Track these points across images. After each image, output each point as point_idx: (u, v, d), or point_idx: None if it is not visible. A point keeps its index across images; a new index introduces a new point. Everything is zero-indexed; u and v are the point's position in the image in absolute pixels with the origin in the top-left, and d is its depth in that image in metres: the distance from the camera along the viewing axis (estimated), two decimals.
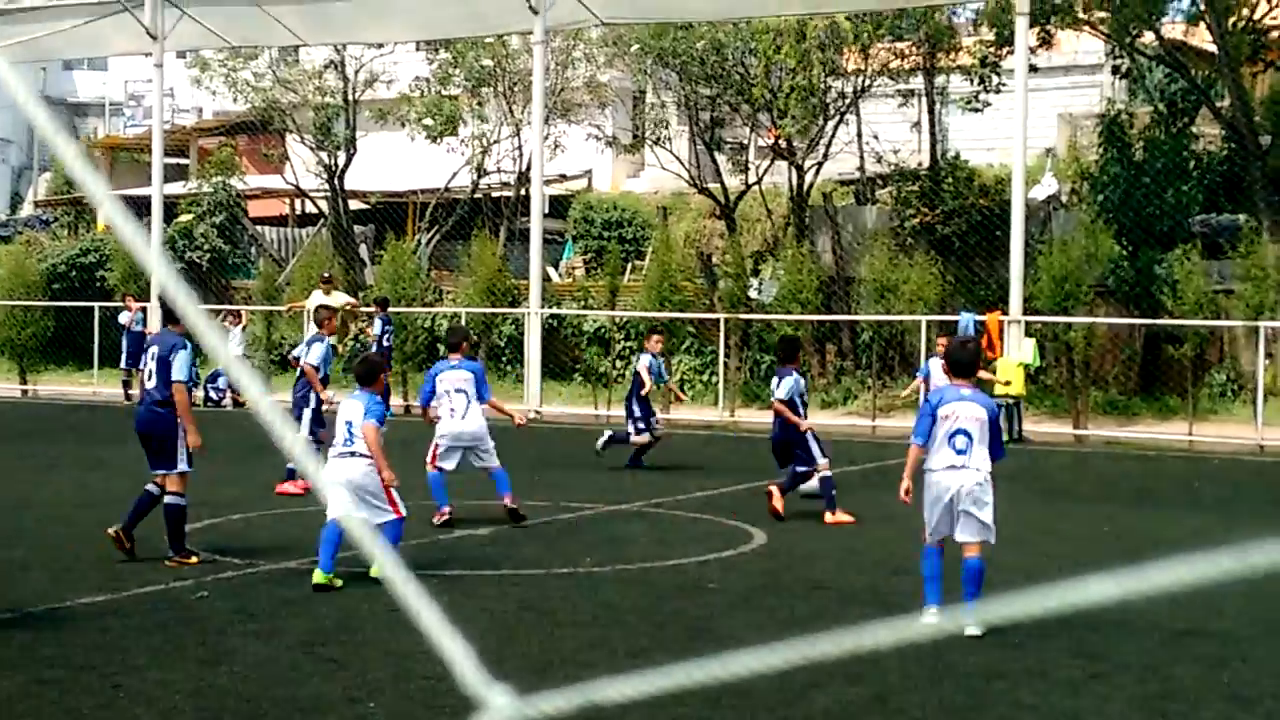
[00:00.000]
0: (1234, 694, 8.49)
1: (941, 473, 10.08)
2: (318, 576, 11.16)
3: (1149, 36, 29.97)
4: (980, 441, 10.06)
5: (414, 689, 8.29)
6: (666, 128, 34.80)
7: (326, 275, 29.85)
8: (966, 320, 26.33)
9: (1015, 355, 25.59)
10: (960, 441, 10.02)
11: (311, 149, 38.77)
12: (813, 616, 10.42)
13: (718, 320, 29.69)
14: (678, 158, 33.99)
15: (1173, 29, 31.73)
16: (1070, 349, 26.73)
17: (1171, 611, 10.76)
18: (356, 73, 38.23)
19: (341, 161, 38.70)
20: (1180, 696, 8.43)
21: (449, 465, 14.48)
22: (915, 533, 14.50)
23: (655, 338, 20.45)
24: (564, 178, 40.72)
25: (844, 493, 17.37)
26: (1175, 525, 15.25)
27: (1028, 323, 26.17)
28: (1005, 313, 26.28)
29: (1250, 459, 23.01)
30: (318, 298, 28.20)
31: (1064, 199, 33.26)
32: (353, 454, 11.54)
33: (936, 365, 18.69)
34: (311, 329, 20.10)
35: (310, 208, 42.05)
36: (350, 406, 11.80)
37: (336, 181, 38.80)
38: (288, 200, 43.88)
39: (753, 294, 31.65)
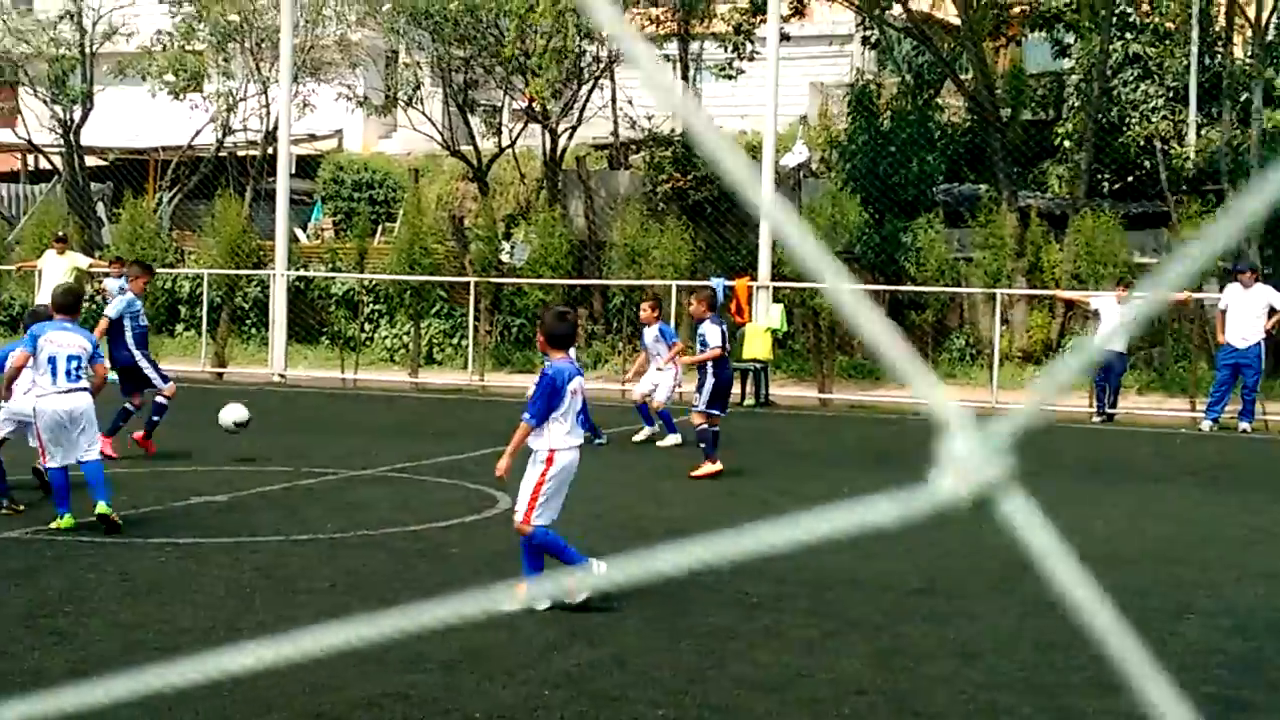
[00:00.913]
0: (960, 649, 8.68)
1: (569, 451, 9.61)
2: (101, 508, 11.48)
3: (897, 9, 30.60)
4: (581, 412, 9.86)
5: (144, 659, 7.96)
6: (419, 89, 34.30)
7: (61, 235, 28.75)
8: (717, 285, 26.59)
9: (763, 321, 25.93)
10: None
11: (46, 103, 37.22)
12: None
13: (468, 284, 29.43)
14: (430, 119, 33.55)
15: (920, 2, 32.45)
16: (817, 315, 27.20)
17: (902, 571, 10.98)
18: (94, 24, 36.80)
19: (77, 116, 37.25)
20: (909, 652, 8.59)
21: None
22: (660, 495, 14.62)
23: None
24: (313, 138, 39.88)
25: (587, 458, 17.37)
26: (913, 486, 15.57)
27: (776, 288, 26.53)
28: (754, 279, 26.61)
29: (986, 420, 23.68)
30: (50, 258, 27.19)
31: (814, 167, 33.80)
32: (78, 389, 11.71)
33: (651, 334, 18.85)
34: (45, 291, 19.54)
35: (45, 164, 40.43)
36: (69, 339, 11.64)
37: (72, 137, 37.34)
38: (20, 156, 42.14)
39: (504, 257, 31.47)
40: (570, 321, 10.14)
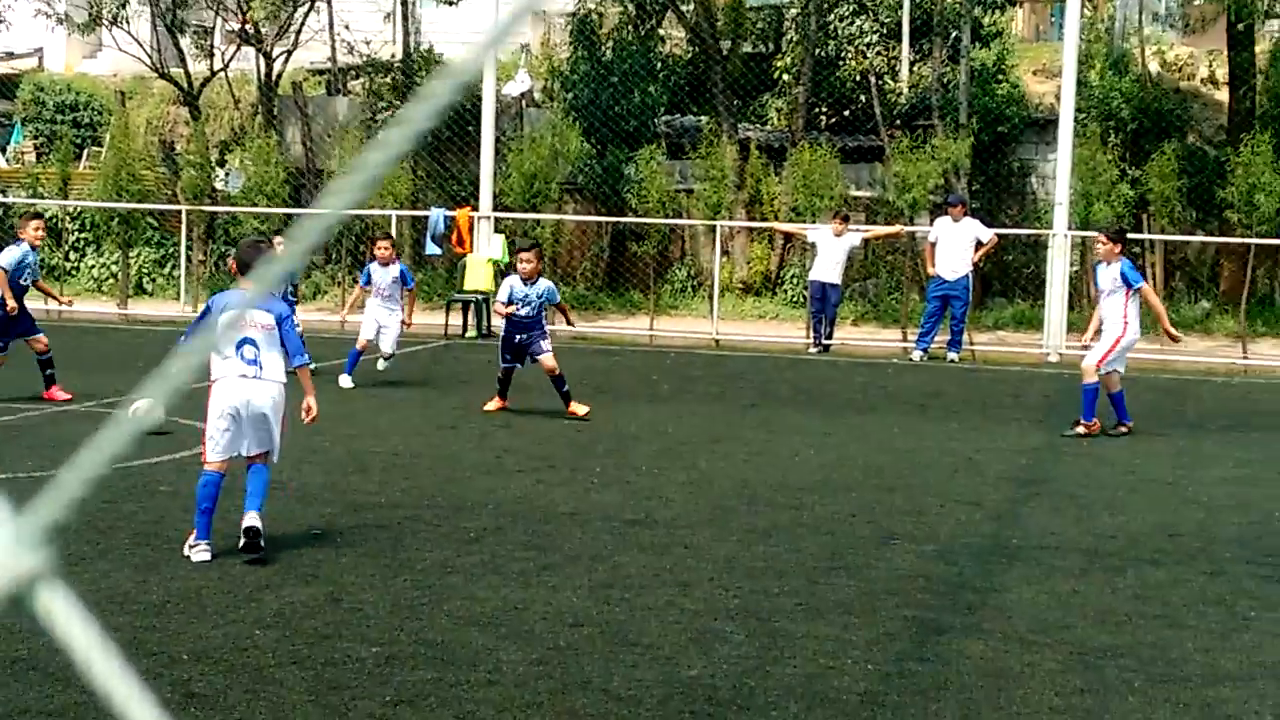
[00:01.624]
0: (676, 579, 8.75)
1: (228, 382, 9.17)
2: None
3: None
4: (271, 348, 9.29)
5: None
6: (125, 7, 32.89)
7: None
8: (437, 216, 26.28)
9: (485, 252, 25.74)
10: (249, 351, 9.18)
11: None
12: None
13: (180, 212, 28.47)
14: (137, 40, 32.23)
15: None
16: (539, 245, 27.10)
17: (621, 503, 11.03)
18: None
19: None
20: (627, 583, 8.62)
21: None
22: (377, 430, 14.40)
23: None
24: (10, 56, 37.98)
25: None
26: (633, 417, 15.68)
27: (498, 219, 26.36)
28: (476, 209, 26.37)
29: (706, 351, 24.03)
30: None
31: (537, 96, 33.60)
32: None
33: (390, 273, 18.17)
34: None
35: None
36: None
37: None
38: None
39: (218, 185, 30.53)
40: (261, 249, 9.72)
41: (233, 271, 9.65)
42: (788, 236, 27.37)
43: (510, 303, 15.17)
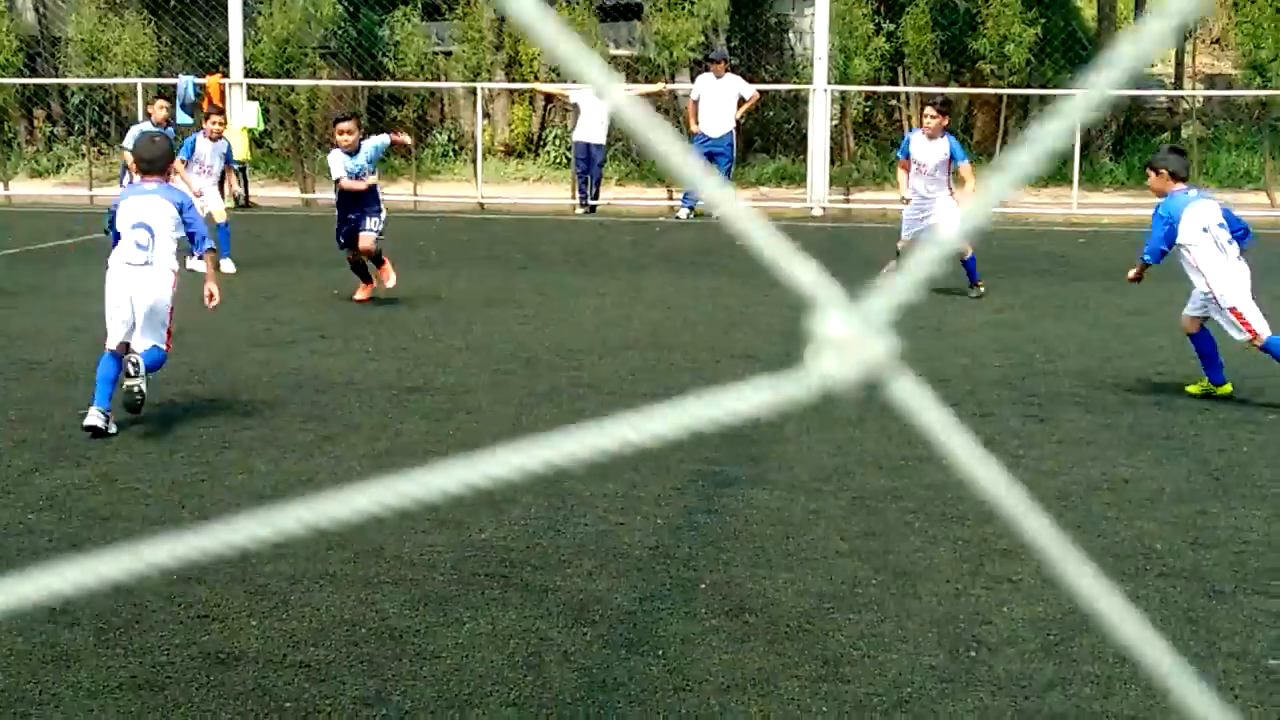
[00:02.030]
0: (461, 445, 8.69)
1: (120, 270, 9.02)
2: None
3: None
4: (165, 238, 9.02)
5: None
6: None
7: None
8: (186, 83, 25.35)
9: (239, 120, 24.96)
10: (142, 237, 8.96)
11: None
12: None
13: None
14: None
15: None
16: (295, 112, 26.40)
17: (399, 370, 10.89)
18: None
19: None
20: (409, 450, 8.53)
21: None
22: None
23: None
24: None
25: (51, 267, 16.46)
26: (404, 283, 15.46)
27: (250, 86, 25.55)
28: (226, 75, 25.51)
29: (471, 215, 23.79)
30: None
31: None
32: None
33: (219, 149, 17.25)
34: None
35: None
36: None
37: None
38: None
39: None
40: (158, 144, 9.42)
41: (133, 170, 9.28)
42: (549, 98, 27.15)
43: (354, 178, 14.09)
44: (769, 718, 5.02)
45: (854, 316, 0.96)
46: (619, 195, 25.27)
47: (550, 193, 26.05)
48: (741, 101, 22.32)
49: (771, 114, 28.06)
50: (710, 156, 22.18)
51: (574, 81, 24.27)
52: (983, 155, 26.69)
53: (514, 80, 27.91)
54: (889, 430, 9.15)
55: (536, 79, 27.19)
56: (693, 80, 23.63)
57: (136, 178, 9.64)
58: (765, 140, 28.38)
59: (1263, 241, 19.97)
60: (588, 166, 23.34)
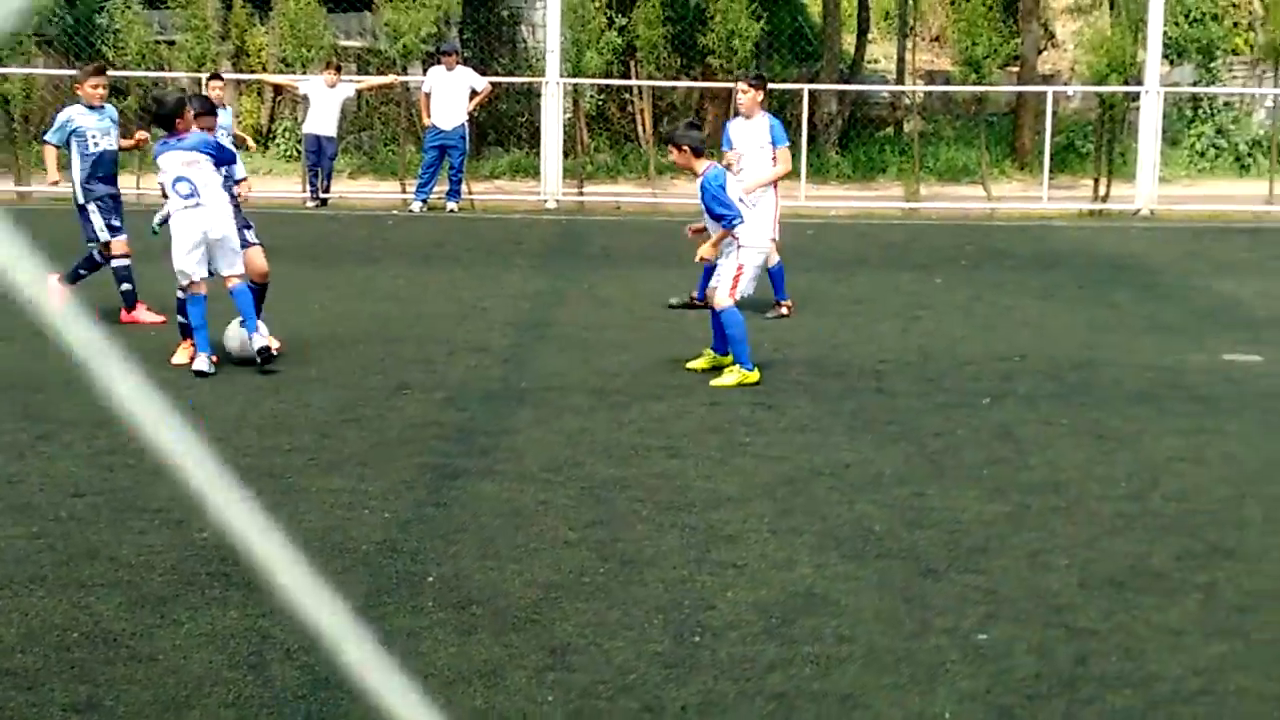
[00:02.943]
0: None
1: (183, 215, 10.39)
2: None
3: None
4: (207, 178, 10.41)
5: None
6: None
7: None
8: None
9: None
10: (184, 188, 10.31)
11: None
12: None
13: None
14: None
15: None
16: (8, 102, 25.35)
17: None
18: None
19: None
20: (130, 449, 8.24)
21: None
22: None
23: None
24: None
25: None
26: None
27: None
28: None
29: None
30: None
31: None
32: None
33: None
34: None
35: None
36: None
37: None
38: None
39: None
40: (168, 103, 10.47)
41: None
42: (278, 89, 26.62)
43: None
44: (495, 709, 5.01)
45: None
46: (350, 188, 24.91)
47: (280, 186, 25.53)
48: (474, 94, 22.21)
49: (505, 107, 28.01)
50: (443, 149, 22.04)
51: (304, 73, 23.85)
52: (713, 148, 27.06)
53: (241, 71, 27.30)
54: (620, 420, 9.22)
55: (265, 70, 26.63)
56: (424, 72, 23.43)
57: None
58: (499, 133, 28.31)
59: (977, 232, 20.79)
60: (318, 159, 22.94)
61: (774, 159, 13.05)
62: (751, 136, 12.98)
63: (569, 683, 5.23)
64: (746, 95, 13.12)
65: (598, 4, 25.04)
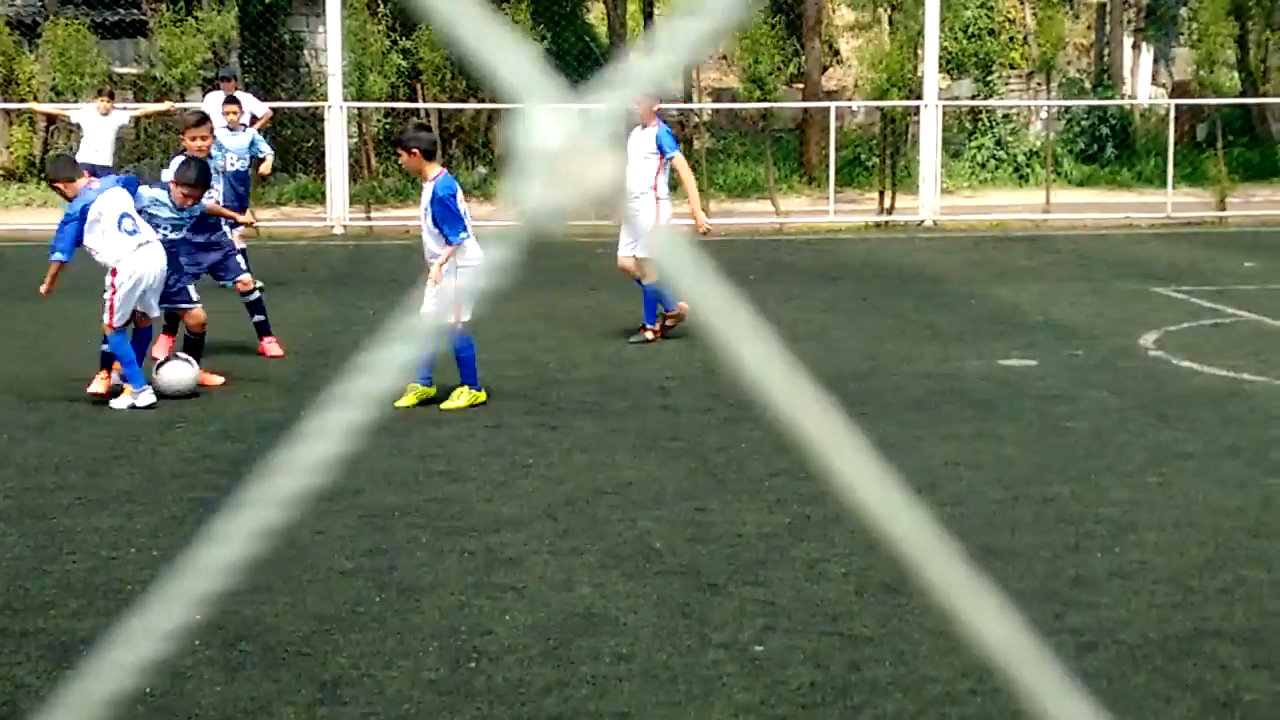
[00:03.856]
0: None
1: (133, 254, 10.27)
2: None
3: None
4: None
5: None
6: None
7: None
8: None
9: None
10: (128, 224, 10.27)
11: None
12: None
13: None
14: None
15: None
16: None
17: None
18: None
19: None
20: None
21: None
22: None
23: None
24: None
25: None
26: None
27: None
28: None
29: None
30: None
31: None
32: None
33: None
34: None
35: None
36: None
37: None
38: None
39: None
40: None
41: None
42: (50, 118, 25.83)
43: None
44: None
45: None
46: None
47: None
48: (254, 119, 21.80)
49: (290, 132, 27.57)
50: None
51: (76, 101, 23.18)
52: (501, 169, 26.99)
53: (10, 100, 26.45)
54: (402, 446, 9.07)
55: (35, 98, 25.83)
56: (203, 98, 22.93)
57: None
58: (285, 159, 27.85)
59: (765, 247, 21.04)
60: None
61: (659, 169, 12.79)
62: (641, 145, 12.66)
63: (340, 716, 5.09)
64: (640, 105, 12.52)
65: (379, 27, 24.81)
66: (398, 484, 8.18)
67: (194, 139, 11.67)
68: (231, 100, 17.62)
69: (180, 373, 10.61)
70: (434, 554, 6.92)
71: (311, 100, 26.17)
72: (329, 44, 23.27)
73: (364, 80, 23.86)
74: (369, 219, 23.66)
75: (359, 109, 24.25)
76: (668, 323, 12.97)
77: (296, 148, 27.85)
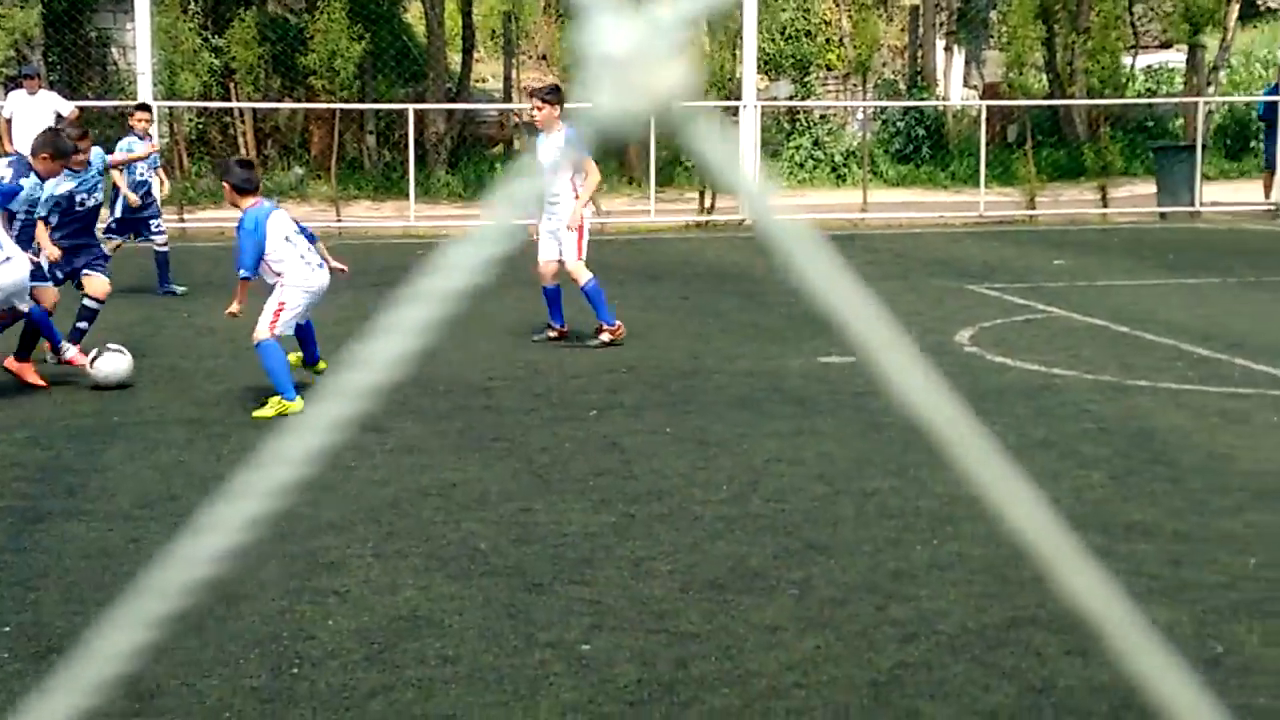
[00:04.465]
0: None
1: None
2: None
3: None
4: None
5: None
6: None
7: None
8: None
9: None
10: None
11: None
12: None
13: None
14: None
15: None
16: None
17: None
18: None
19: None
20: None
21: None
22: None
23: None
24: None
25: None
26: None
27: None
28: None
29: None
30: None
31: None
32: None
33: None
34: None
35: None
36: None
37: None
38: None
39: None
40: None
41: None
42: None
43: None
44: None
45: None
46: None
47: None
48: (60, 118, 21.22)
49: (98, 132, 26.84)
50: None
51: None
52: (321, 170, 26.66)
53: None
54: (219, 451, 8.90)
55: None
56: (5, 97, 22.26)
57: None
58: None
59: (590, 245, 21.03)
60: None
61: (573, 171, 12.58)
62: (549, 151, 12.40)
63: None
64: (540, 112, 12.61)
65: (191, 24, 24.33)
66: (216, 491, 7.99)
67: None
68: (143, 107, 17.47)
69: (116, 364, 10.40)
70: (253, 559, 6.77)
71: (120, 99, 25.53)
72: (138, 41, 22.73)
73: (175, 79, 23.37)
74: (182, 221, 23.17)
75: (170, 108, 23.73)
76: (552, 334, 12.96)
77: (105, 149, 27.14)
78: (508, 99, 30.93)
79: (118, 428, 9.53)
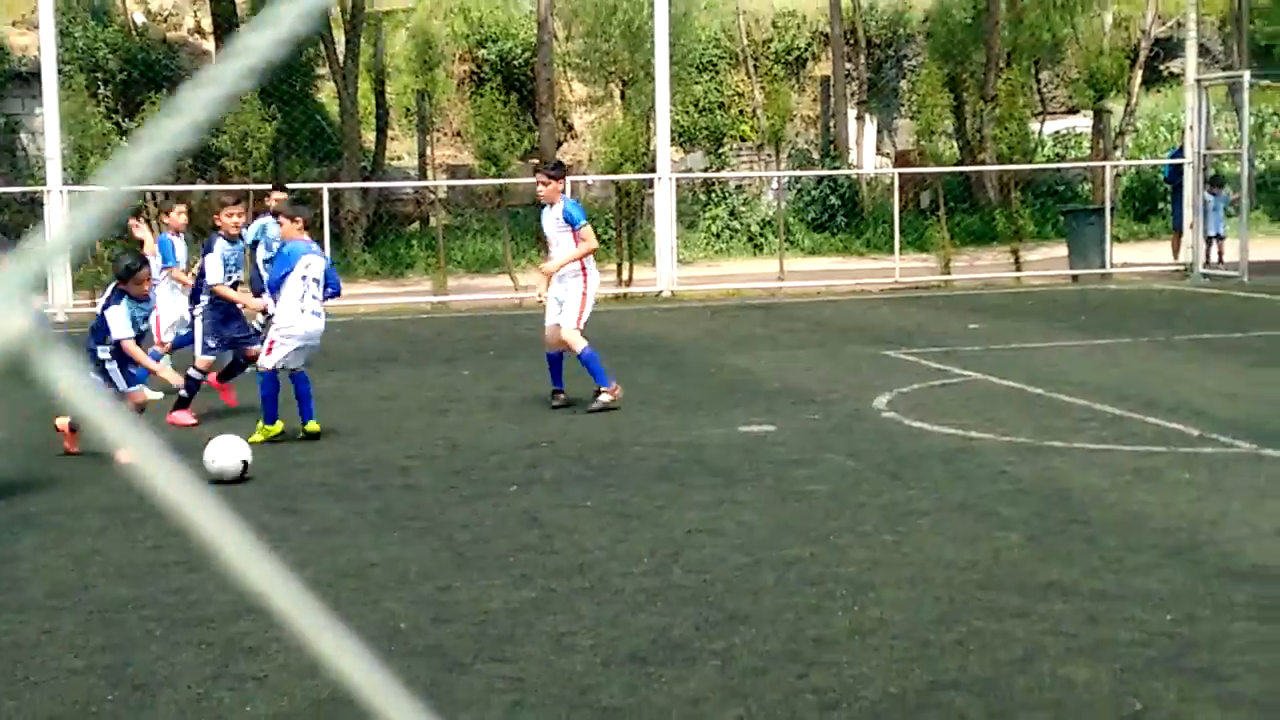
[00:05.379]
0: None
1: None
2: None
3: None
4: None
5: None
6: None
7: None
8: None
9: None
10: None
11: None
12: None
13: None
14: None
15: None
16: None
17: None
18: None
19: None
20: None
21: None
22: None
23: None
24: None
25: None
26: None
27: None
28: None
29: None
30: None
31: None
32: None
33: None
34: None
35: None
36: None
37: None
38: None
39: None
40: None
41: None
42: None
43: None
44: None
45: None
46: None
47: None
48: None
49: (8, 217, 26.65)
50: None
51: None
52: None
53: None
54: (135, 537, 8.77)
55: None
56: None
57: None
58: (2, 246, 26.91)
59: (505, 322, 21.06)
60: None
61: (576, 240, 13.19)
62: (553, 222, 13.28)
63: None
64: (546, 187, 13.31)
65: (102, 108, 24.21)
66: (131, 576, 7.90)
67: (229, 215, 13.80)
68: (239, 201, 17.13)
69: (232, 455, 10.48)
70: (170, 646, 6.68)
71: (29, 184, 25.31)
72: (47, 126, 22.59)
73: (85, 163, 23.21)
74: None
75: (81, 193, 23.57)
76: (555, 401, 13.37)
77: (17, 232, 26.91)
78: (423, 176, 30.95)
79: (31, 517, 9.38)
